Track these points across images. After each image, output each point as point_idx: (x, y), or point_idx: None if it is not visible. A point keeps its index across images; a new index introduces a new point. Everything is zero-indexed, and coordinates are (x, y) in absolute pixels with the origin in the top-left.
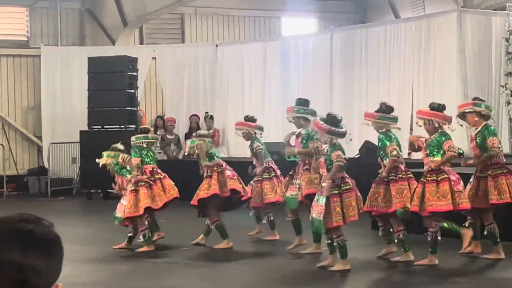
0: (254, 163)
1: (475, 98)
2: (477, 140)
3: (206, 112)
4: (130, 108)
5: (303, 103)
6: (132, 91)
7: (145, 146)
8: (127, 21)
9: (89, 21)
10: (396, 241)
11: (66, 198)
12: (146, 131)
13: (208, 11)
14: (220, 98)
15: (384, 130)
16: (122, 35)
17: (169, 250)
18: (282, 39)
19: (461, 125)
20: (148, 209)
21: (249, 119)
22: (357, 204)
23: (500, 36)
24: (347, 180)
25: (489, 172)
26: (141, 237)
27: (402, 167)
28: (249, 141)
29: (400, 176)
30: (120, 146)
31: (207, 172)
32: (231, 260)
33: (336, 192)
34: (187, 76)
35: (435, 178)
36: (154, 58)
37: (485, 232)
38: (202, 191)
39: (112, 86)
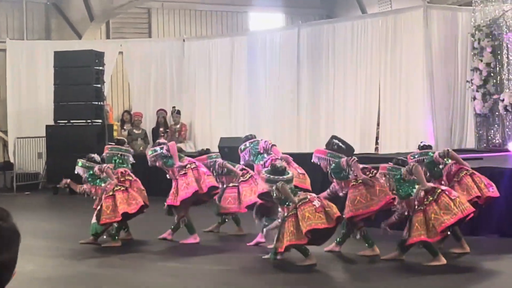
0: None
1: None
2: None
3: (173, 107)
4: (97, 103)
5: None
6: (99, 85)
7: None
8: (93, 16)
9: (55, 15)
10: (359, 237)
11: (32, 193)
12: (122, 143)
13: (175, 6)
14: (187, 93)
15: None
16: (89, 29)
17: (137, 246)
18: (249, 34)
19: None
20: (125, 214)
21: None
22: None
23: (466, 32)
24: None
25: (455, 179)
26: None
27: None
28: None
29: (371, 174)
30: (96, 157)
31: (181, 171)
32: (199, 255)
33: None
34: (154, 70)
35: (432, 198)
36: (121, 52)
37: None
38: (183, 191)
39: (78, 81)
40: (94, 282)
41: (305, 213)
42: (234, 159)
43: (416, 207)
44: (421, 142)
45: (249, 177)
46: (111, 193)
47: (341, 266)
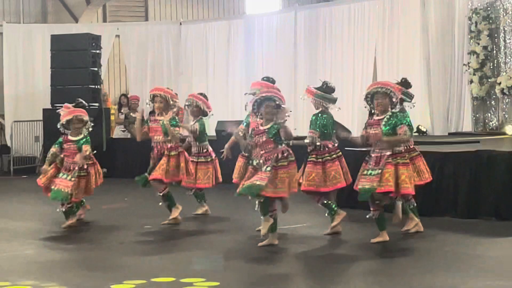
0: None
1: None
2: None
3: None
4: (94, 86)
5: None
6: (96, 69)
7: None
8: None
9: None
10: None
11: (29, 176)
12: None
13: None
14: (184, 76)
15: (320, 109)
16: (85, 12)
17: (137, 229)
18: (246, 17)
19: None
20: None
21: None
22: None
23: (463, 15)
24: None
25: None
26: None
27: (331, 145)
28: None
29: (334, 155)
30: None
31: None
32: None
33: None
34: (151, 54)
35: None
36: (118, 36)
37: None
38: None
39: (75, 64)
40: (92, 265)
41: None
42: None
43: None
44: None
45: (210, 160)
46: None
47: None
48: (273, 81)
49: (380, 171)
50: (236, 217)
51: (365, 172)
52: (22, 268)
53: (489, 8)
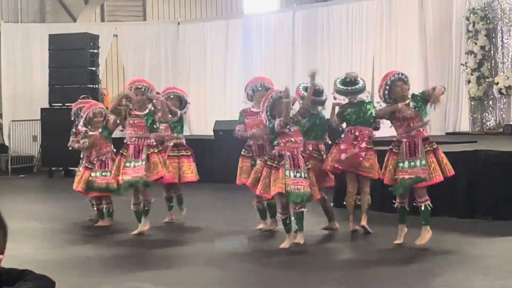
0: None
1: None
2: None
3: None
4: (92, 86)
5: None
6: (94, 68)
7: None
8: None
9: None
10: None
11: (27, 176)
12: None
13: None
14: (182, 76)
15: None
16: (83, 12)
17: (133, 228)
18: (244, 17)
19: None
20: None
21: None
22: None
23: (461, 15)
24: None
25: None
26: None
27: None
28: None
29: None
30: None
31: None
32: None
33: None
34: (149, 53)
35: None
36: (116, 35)
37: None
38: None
39: (73, 64)
40: (89, 264)
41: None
42: (229, 142)
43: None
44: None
45: (190, 154)
46: None
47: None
48: None
49: (425, 161)
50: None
51: (401, 165)
52: (19, 267)
53: (486, 8)
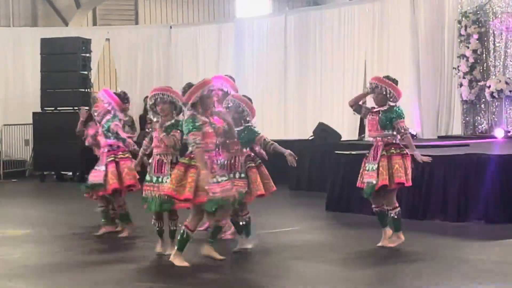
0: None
1: None
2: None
3: None
4: (84, 90)
5: None
6: (86, 72)
7: None
8: (80, 3)
9: (41, 2)
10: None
11: (19, 180)
12: None
13: None
14: (174, 80)
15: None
16: (75, 16)
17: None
18: (237, 21)
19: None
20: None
21: None
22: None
23: (453, 18)
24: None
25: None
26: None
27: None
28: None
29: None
30: None
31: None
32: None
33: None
34: (141, 57)
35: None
36: (108, 39)
37: None
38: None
39: (65, 68)
40: (82, 269)
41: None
42: None
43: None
44: None
45: None
46: None
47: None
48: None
49: (377, 165)
50: None
51: (367, 168)
52: (11, 271)
53: (478, 12)
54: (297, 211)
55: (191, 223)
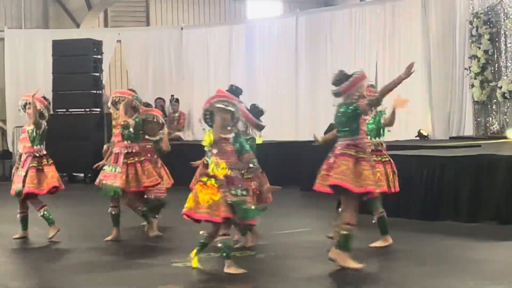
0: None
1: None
2: None
3: (172, 95)
4: (95, 92)
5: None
6: (97, 74)
7: None
8: (91, 4)
9: (53, 4)
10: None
11: None
12: None
13: None
14: (185, 81)
15: None
16: (87, 18)
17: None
18: (248, 22)
19: None
20: None
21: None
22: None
23: (464, 19)
24: None
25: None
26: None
27: None
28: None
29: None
30: None
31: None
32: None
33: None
34: (153, 59)
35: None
36: (119, 41)
37: None
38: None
39: (76, 69)
40: (89, 269)
41: None
42: None
43: None
44: None
45: None
46: None
47: None
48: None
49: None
50: None
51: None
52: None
53: (490, 12)
54: (308, 211)
55: (350, 219)
